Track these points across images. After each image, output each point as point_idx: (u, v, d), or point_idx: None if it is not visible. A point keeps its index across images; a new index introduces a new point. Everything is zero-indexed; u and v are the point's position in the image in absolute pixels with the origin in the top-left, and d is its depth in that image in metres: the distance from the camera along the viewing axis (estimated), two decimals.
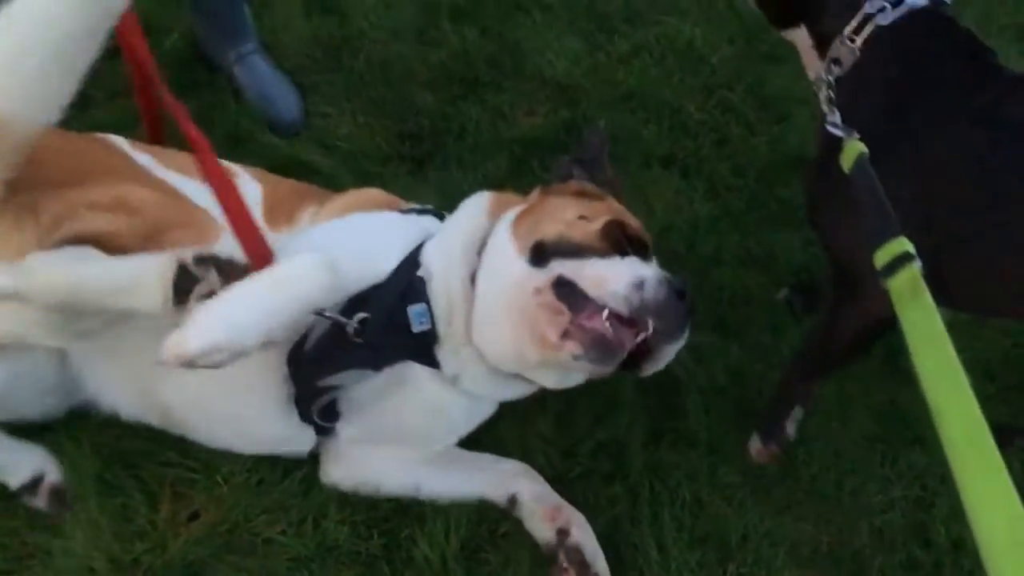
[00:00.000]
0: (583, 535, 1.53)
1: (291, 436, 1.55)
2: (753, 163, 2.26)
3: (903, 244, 1.10)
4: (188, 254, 1.20)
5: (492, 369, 1.46)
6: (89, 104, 2.22)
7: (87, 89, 2.32)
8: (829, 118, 1.43)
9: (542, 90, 2.38)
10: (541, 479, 1.62)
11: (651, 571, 1.59)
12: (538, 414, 1.77)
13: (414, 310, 1.40)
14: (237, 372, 1.29)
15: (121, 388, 1.54)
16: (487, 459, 1.67)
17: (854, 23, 1.48)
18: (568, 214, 1.44)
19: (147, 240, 1.27)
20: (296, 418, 1.51)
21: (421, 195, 2.04)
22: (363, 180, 2.07)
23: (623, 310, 1.30)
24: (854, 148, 1.33)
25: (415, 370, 1.48)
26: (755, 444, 1.74)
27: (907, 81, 1.44)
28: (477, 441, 1.71)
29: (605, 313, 1.30)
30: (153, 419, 1.57)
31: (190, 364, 1.15)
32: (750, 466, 1.75)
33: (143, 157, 1.62)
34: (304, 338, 1.42)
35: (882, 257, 1.11)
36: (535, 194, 1.60)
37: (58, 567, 1.51)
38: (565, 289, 1.34)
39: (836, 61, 1.51)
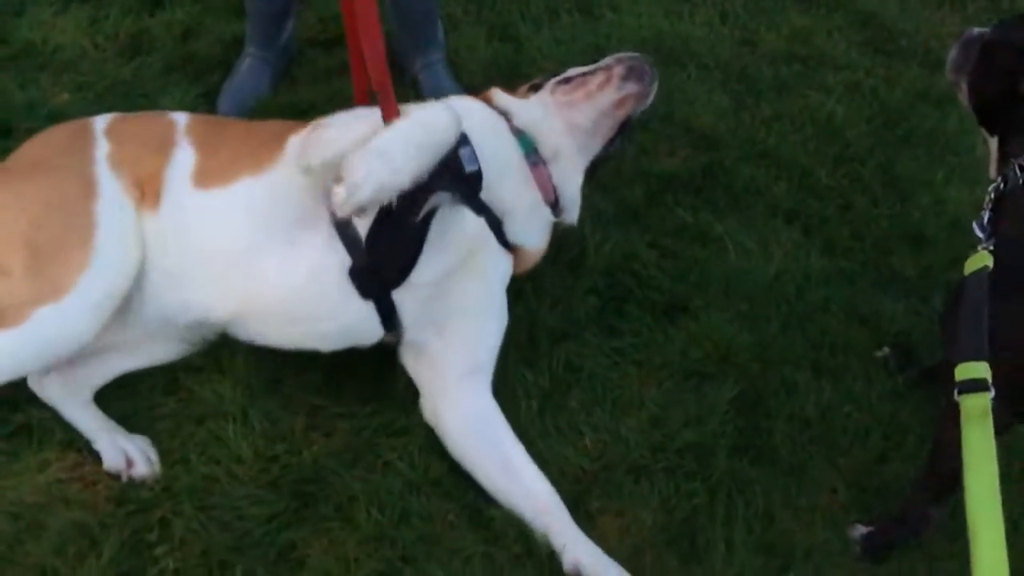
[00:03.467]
0: None
1: (356, 318, 1.72)
2: (872, 231, 2.41)
3: (979, 370, 1.25)
4: None
5: (532, 205, 1.87)
6: (296, 84, 2.58)
7: (295, 71, 2.71)
8: (980, 217, 1.58)
9: (686, 136, 2.61)
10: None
11: (715, 565, 1.74)
12: (635, 409, 1.96)
13: (465, 152, 1.64)
14: (297, 260, 1.66)
15: (195, 301, 1.74)
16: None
17: None
18: None
19: None
20: (357, 298, 1.69)
21: None
22: None
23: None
24: (981, 258, 1.45)
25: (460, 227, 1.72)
26: (856, 534, 1.80)
27: None
28: (575, 427, 1.91)
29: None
30: (237, 329, 1.78)
31: (362, 209, 1.46)
32: (829, 511, 1.87)
33: None
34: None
35: (962, 372, 1.27)
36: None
37: (212, 452, 1.79)
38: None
39: (1005, 179, 1.64)
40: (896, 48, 3.07)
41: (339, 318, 1.73)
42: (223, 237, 1.71)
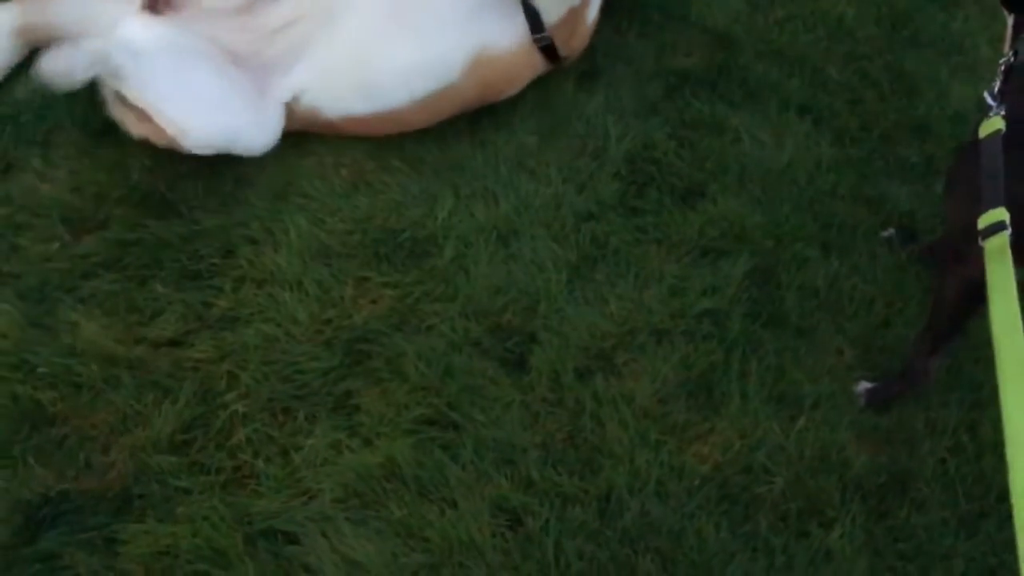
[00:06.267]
0: None
1: None
2: (880, 123, 2.53)
3: (1001, 214, 1.40)
4: None
5: None
6: None
7: None
8: (991, 88, 1.69)
9: (702, 36, 2.71)
10: None
11: (730, 414, 1.92)
12: (656, 281, 2.11)
13: None
14: None
15: None
16: None
17: None
18: None
19: None
20: None
21: (589, 105, 2.43)
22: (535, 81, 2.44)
23: None
24: (994, 123, 1.58)
25: None
26: (861, 388, 1.98)
27: None
28: (601, 297, 2.06)
29: None
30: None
31: None
32: (836, 369, 2.04)
33: None
34: None
35: (984, 220, 1.41)
36: None
37: (271, 315, 1.95)
38: None
39: (1016, 52, 1.75)
40: None
41: None
42: None
